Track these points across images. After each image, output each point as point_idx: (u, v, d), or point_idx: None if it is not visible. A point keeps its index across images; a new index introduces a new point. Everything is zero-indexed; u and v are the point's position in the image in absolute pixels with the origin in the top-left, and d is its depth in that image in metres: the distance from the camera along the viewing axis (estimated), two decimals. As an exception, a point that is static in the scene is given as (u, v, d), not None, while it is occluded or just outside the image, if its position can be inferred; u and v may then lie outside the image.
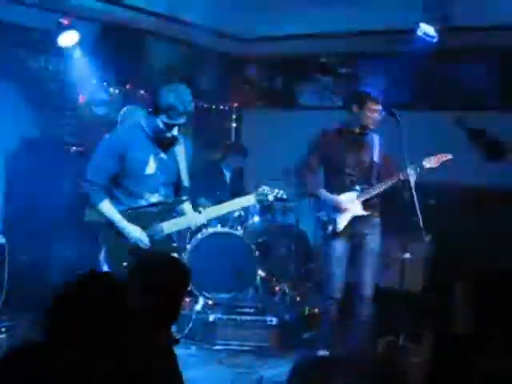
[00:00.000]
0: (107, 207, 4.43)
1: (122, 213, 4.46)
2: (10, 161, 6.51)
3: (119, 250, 4.47)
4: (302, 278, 7.54)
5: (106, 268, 4.48)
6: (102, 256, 4.53)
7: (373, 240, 5.52)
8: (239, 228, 7.10)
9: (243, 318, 6.26)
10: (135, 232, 4.46)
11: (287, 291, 7.13)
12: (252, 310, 6.37)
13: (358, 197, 5.47)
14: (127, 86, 7.69)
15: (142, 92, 7.84)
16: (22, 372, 1.90)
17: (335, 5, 6.62)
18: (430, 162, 5.38)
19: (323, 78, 8.40)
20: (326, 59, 8.24)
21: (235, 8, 7.02)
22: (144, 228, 4.50)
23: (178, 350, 2.96)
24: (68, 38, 6.45)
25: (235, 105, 9.19)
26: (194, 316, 6.21)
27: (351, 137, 5.56)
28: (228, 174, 7.79)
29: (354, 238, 5.53)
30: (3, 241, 6.17)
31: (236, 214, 7.14)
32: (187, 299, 6.35)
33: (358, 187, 5.51)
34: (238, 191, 7.49)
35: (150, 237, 4.50)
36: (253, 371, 5.59)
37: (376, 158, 5.48)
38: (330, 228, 5.49)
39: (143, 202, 4.51)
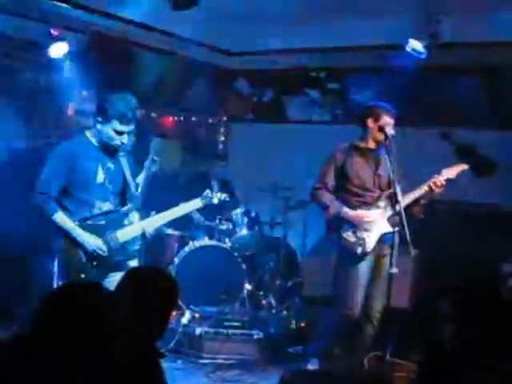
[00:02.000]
0: (61, 218, 4.43)
1: (76, 223, 4.46)
2: (-1, 171, 6.48)
3: (76, 260, 4.46)
4: (288, 292, 7.53)
5: (59, 280, 4.47)
6: (55, 268, 4.51)
7: (394, 260, 5.20)
8: (227, 241, 7.09)
9: (230, 331, 6.23)
10: (92, 240, 4.46)
11: (274, 305, 7.12)
12: (239, 324, 6.34)
13: (383, 213, 5.37)
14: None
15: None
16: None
17: (324, 20, 6.67)
18: (448, 173, 5.34)
19: (312, 92, 8.42)
20: (314, 74, 8.26)
21: (224, 22, 7.05)
22: (99, 237, 4.51)
23: (165, 364, 2.94)
24: (58, 49, 6.46)
25: (224, 118, 9.21)
26: (180, 329, 6.19)
27: (366, 152, 5.50)
28: (216, 185, 7.79)
29: (377, 257, 5.42)
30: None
31: (224, 226, 7.15)
32: (173, 312, 6.32)
33: (381, 203, 5.43)
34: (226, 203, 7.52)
35: (107, 245, 4.51)
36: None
37: (391, 174, 5.24)
38: (360, 248, 5.35)
39: (96, 211, 4.53)
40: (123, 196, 4.71)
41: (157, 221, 4.81)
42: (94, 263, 4.47)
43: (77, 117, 7.31)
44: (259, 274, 7.55)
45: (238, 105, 9.13)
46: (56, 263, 4.50)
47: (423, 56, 6.18)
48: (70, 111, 7.23)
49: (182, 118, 8.65)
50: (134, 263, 5.77)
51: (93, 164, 4.51)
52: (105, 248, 4.49)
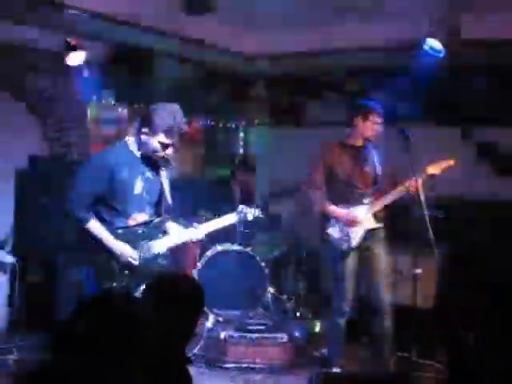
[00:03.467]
0: (95, 226, 4.39)
1: (110, 233, 4.43)
2: (19, 179, 6.52)
3: (108, 269, 4.42)
4: (312, 295, 7.51)
5: (90, 290, 4.47)
6: (85, 278, 4.50)
7: (380, 253, 5.48)
8: (249, 245, 7.09)
9: (254, 335, 6.21)
10: (126, 250, 4.43)
11: (298, 308, 7.10)
12: (263, 328, 6.32)
13: (368, 209, 5.43)
14: (135, 106, 7.71)
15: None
16: None
17: (342, 21, 6.66)
18: (432, 170, 5.34)
19: (330, 95, 8.41)
20: (332, 76, 8.25)
21: (242, 27, 7.07)
22: (133, 247, 4.48)
23: (189, 368, 2.94)
24: (76, 58, 6.50)
25: (242, 123, 9.22)
26: (204, 334, 6.19)
27: (353, 149, 5.55)
28: (237, 190, 7.81)
29: (363, 252, 5.49)
30: (13, 260, 6.20)
31: (246, 230, 7.15)
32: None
33: (366, 200, 5.48)
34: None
35: (140, 255, 4.50)
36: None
37: (378, 170, 5.46)
38: (345, 244, 5.43)
39: (131, 222, 4.50)
40: (159, 207, 4.69)
41: (202, 230, 4.80)
42: (126, 272, 4.46)
43: (95, 125, 7.36)
44: (282, 277, 7.54)
45: (256, 109, 9.13)
46: (87, 272, 4.48)
47: (442, 55, 6.14)
48: (89, 119, 7.27)
49: (201, 124, 8.66)
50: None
51: (132, 175, 4.46)
52: (137, 258, 4.49)
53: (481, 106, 7.21)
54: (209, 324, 6.36)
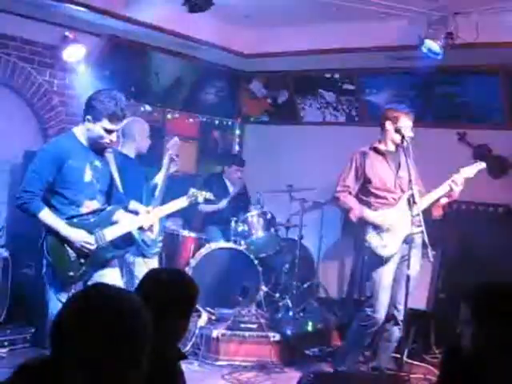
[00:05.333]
0: (48, 215, 4.39)
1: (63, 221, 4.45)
2: (14, 174, 6.51)
3: (64, 258, 4.44)
4: (305, 294, 7.52)
5: (50, 280, 4.45)
6: (44, 269, 4.49)
7: (416, 259, 5.32)
8: (242, 243, 7.10)
9: (247, 333, 6.23)
10: (80, 235, 4.45)
11: (290, 307, 7.11)
12: (255, 326, 6.33)
13: (406, 214, 5.32)
14: (132, 100, 7.69)
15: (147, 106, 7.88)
16: None
17: (339, 21, 6.66)
18: (466, 172, 5.33)
19: (326, 94, 8.41)
20: (329, 75, 8.25)
21: (239, 24, 7.06)
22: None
23: (181, 366, 2.94)
24: (73, 52, 6.48)
25: (238, 120, 9.22)
26: (197, 331, 6.20)
27: (387, 154, 5.50)
28: (231, 187, 7.82)
29: (402, 258, 5.38)
30: (6, 254, 6.18)
31: (239, 228, 7.16)
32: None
33: (402, 204, 5.38)
34: (242, 203, 7.54)
35: (95, 241, 4.51)
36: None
37: (413, 174, 5.28)
38: (384, 250, 5.35)
39: (83, 210, 4.52)
40: (109, 194, 4.72)
41: (155, 215, 4.88)
42: (82, 260, 4.46)
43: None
44: (275, 275, 7.54)
45: (252, 107, 9.13)
46: (45, 262, 4.48)
47: (439, 57, 6.15)
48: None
49: (197, 120, 8.66)
50: (153, 264, 5.85)
51: (81, 163, 4.49)
52: (92, 242, 4.48)
53: (476, 107, 7.22)
54: (201, 322, 6.36)
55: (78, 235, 4.44)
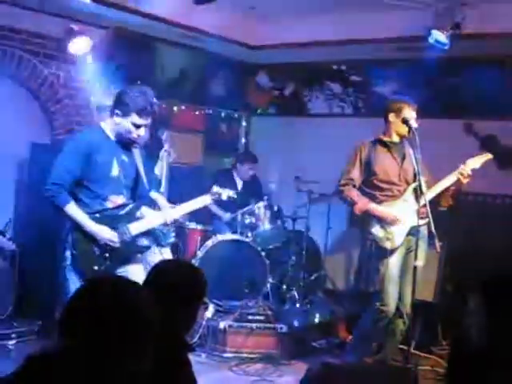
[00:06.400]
0: (74, 209, 4.40)
1: (88, 215, 4.45)
2: (20, 167, 6.52)
3: (88, 253, 4.45)
4: (312, 286, 7.52)
5: (72, 274, 4.46)
6: (68, 262, 4.50)
7: (422, 251, 5.26)
8: (249, 235, 7.10)
9: (254, 325, 6.23)
10: (105, 232, 4.46)
11: (297, 299, 7.11)
12: (262, 318, 6.33)
13: (411, 206, 5.30)
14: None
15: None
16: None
17: (346, 11, 6.63)
18: (473, 163, 5.29)
19: (333, 85, 8.39)
20: (336, 66, 8.23)
21: (245, 15, 7.04)
22: (111, 230, 4.50)
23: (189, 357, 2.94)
24: (79, 45, 6.48)
25: (245, 112, 9.20)
26: (204, 323, 6.20)
27: (391, 146, 5.47)
28: (240, 182, 7.81)
29: (407, 250, 5.36)
30: (14, 247, 6.20)
31: (247, 220, 7.15)
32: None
33: (407, 196, 5.38)
34: (250, 198, 7.52)
35: (119, 237, 4.51)
36: (263, 378, 5.58)
37: (416, 166, 5.23)
38: (389, 243, 5.32)
39: (109, 205, 4.52)
40: (135, 189, 4.72)
41: (178, 211, 4.85)
42: (106, 255, 4.48)
43: (99, 112, 7.34)
44: (282, 267, 7.54)
45: (259, 98, 9.11)
46: (69, 256, 4.48)
47: (446, 47, 6.12)
48: (93, 107, 7.25)
49: (203, 112, 8.65)
50: (167, 253, 5.86)
51: (108, 157, 4.50)
52: (117, 240, 4.49)
53: (483, 97, 7.19)
54: (208, 314, 6.36)
55: (102, 231, 4.45)
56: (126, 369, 1.86)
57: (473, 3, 5.96)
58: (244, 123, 9.24)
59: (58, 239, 6.30)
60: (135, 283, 2.07)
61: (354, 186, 5.47)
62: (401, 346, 5.68)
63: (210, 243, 6.82)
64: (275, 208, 7.42)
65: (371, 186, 5.48)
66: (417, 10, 6.21)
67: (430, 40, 6.13)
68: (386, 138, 5.48)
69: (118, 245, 4.48)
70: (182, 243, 7.07)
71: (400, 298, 5.41)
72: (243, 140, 9.24)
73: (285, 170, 7.87)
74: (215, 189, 5.04)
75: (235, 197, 5.21)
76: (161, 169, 5.88)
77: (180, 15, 6.60)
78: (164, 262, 3.17)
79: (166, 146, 5.93)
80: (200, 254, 6.75)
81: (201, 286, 2.96)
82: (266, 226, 7.27)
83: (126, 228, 4.54)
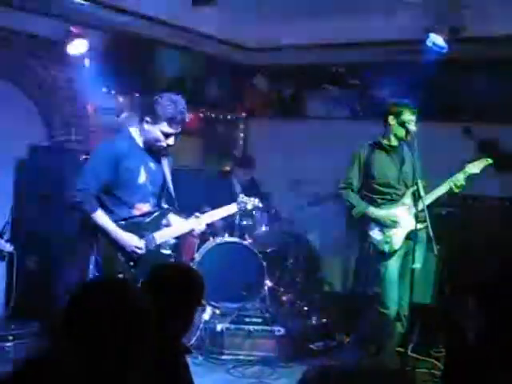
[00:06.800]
0: (101, 216, 4.39)
1: (114, 223, 4.44)
2: (19, 168, 6.51)
3: (114, 260, 4.44)
4: (309, 288, 7.51)
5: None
6: (91, 267, 4.49)
7: (420, 255, 5.29)
8: (247, 237, 7.09)
9: (251, 327, 6.23)
10: (132, 240, 4.45)
11: (295, 301, 7.10)
12: (260, 320, 6.34)
13: (409, 210, 5.32)
14: (136, 95, 7.70)
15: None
16: None
17: (344, 15, 6.63)
18: (472, 168, 5.31)
19: (332, 89, 8.39)
20: (334, 69, 8.23)
21: (244, 18, 7.04)
22: (137, 237, 4.50)
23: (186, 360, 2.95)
24: (77, 47, 6.48)
25: (243, 114, 9.21)
26: (201, 325, 6.20)
27: (390, 149, 5.47)
28: (238, 186, 7.80)
29: (406, 254, 5.36)
30: (11, 249, 6.19)
31: (244, 223, 7.14)
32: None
33: (406, 200, 5.38)
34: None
35: (145, 245, 4.50)
36: (261, 381, 5.58)
37: (414, 170, 5.23)
38: (387, 247, 5.34)
39: (135, 212, 4.51)
40: (161, 198, 4.71)
41: (203, 221, 4.80)
42: (131, 263, 4.47)
43: (97, 114, 7.34)
44: (280, 270, 7.54)
45: (257, 101, 9.12)
46: (93, 262, 4.47)
47: (444, 50, 6.12)
48: (90, 109, 7.26)
49: (201, 115, 8.65)
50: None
51: (136, 164, 4.49)
52: (143, 248, 4.48)
53: (481, 101, 7.20)
54: (206, 316, 6.36)
55: (128, 239, 4.43)
56: (123, 370, 1.86)
57: (471, 6, 5.97)
58: (242, 125, 9.24)
59: (56, 240, 6.35)
60: (132, 285, 2.07)
61: (353, 190, 5.48)
62: (398, 349, 5.68)
63: (207, 246, 6.82)
64: (273, 210, 7.41)
65: (370, 189, 5.48)
66: (415, 13, 6.22)
67: (429, 43, 6.14)
68: (385, 142, 5.48)
69: (143, 252, 4.48)
70: (179, 246, 7.07)
71: (398, 301, 5.42)
72: (241, 142, 9.24)
73: (283, 172, 7.86)
74: (242, 198, 5.01)
75: (260, 205, 5.17)
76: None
77: (178, 17, 6.59)
78: (162, 265, 3.17)
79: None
80: (198, 256, 6.74)
81: (198, 288, 2.96)
82: (263, 228, 7.27)
83: (151, 236, 4.53)
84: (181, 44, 7.53)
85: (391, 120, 5.39)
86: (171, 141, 4.52)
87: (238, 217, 7.16)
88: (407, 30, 6.37)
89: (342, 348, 6.21)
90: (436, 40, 6.10)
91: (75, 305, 1.92)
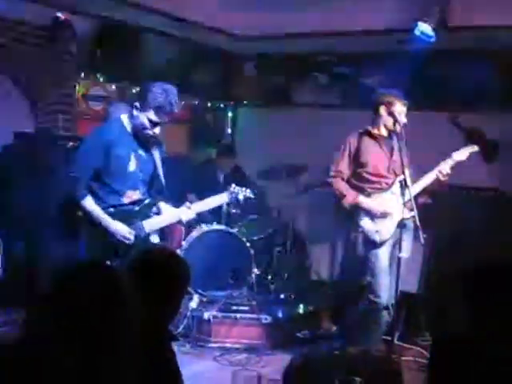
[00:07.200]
0: (90, 204, 4.40)
1: (103, 210, 4.44)
2: (3, 155, 6.47)
3: (101, 247, 4.45)
4: (296, 276, 7.53)
5: None
6: (79, 254, 4.49)
7: (408, 244, 5.33)
8: (234, 225, 7.09)
9: (238, 315, 6.24)
10: (121, 229, 4.45)
11: (282, 289, 7.12)
12: (247, 308, 6.36)
13: (399, 199, 5.34)
14: (124, 82, 7.65)
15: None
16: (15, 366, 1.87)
17: (333, 3, 6.62)
18: (459, 156, 5.33)
19: (320, 77, 8.38)
20: (323, 58, 8.21)
21: (232, 6, 7.01)
22: (126, 225, 4.49)
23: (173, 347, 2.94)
24: (65, 33, 6.44)
25: (231, 102, 9.18)
26: (188, 313, 6.20)
27: (380, 139, 5.47)
28: (221, 174, 7.79)
29: (395, 242, 5.37)
30: (-3, 235, 6.16)
31: (232, 210, 7.14)
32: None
33: (395, 189, 5.39)
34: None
35: (133, 234, 4.49)
36: (247, 369, 5.58)
37: (406, 159, 5.25)
38: (377, 236, 5.36)
39: (125, 200, 4.51)
40: (152, 185, 4.69)
41: (194, 210, 4.81)
42: (120, 251, 4.45)
43: (82, 101, 7.29)
44: (267, 258, 7.54)
45: (245, 89, 9.09)
46: (81, 249, 4.46)
47: (432, 39, 6.12)
48: (78, 95, 7.21)
49: (189, 103, 8.61)
50: (155, 240, 5.84)
51: (127, 151, 4.49)
52: (131, 237, 4.47)
53: (469, 91, 7.20)
54: (193, 304, 6.36)
55: (117, 227, 4.44)
56: (107, 356, 1.86)
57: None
58: (230, 113, 9.22)
59: (41, 226, 6.32)
60: (118, 271, 2.06)
61: (343, 179, 5.48)
62: (384, 337, 5.71)
63: (194, 233, 6.81)
64: (261, 198, 7.40)
65: (360, 178, 5.48)
66: (403, 1, 6.21)
67: (417, 32, 6.13)
68: (374, 131, 5.49)
69: (131, 241, 4.46)
70: (166, 232, 7.05)
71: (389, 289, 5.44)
72: (229, 130, 9.22)
73: (271, 160, 7.85)
74: (233, 188, 5.00)
75: (252, 196, 5.16)
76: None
77: (166, 5, 6.55)
78: (148, 252, 3.16)
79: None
80: (185, 244, 6.74)
81: (185, 276, 2.95)
82: (251, 216, 7.27)
83: (140, 224, 4.52)
84: (169, 32, 7.49)
85: (382, 111, 5.38)
86: (157, 130, 4.53)
87: (225, 204, 7.15)
88: (396, 18, 6.36)
89: (328, 336, 6.22)
90: (424, 29, 6.09)
91: (60, 290, 1.92)
